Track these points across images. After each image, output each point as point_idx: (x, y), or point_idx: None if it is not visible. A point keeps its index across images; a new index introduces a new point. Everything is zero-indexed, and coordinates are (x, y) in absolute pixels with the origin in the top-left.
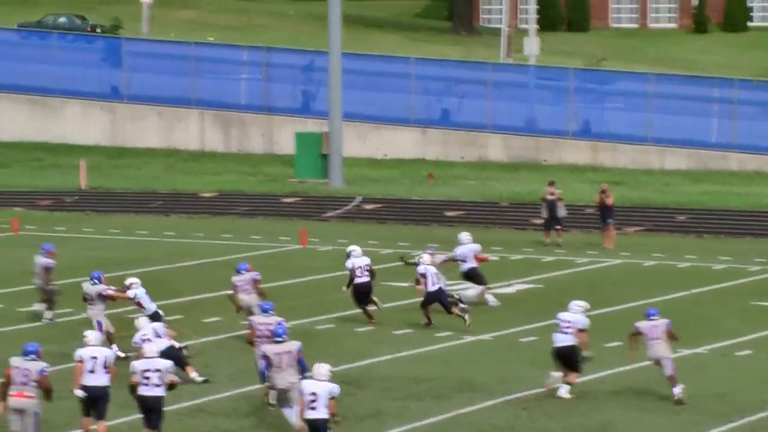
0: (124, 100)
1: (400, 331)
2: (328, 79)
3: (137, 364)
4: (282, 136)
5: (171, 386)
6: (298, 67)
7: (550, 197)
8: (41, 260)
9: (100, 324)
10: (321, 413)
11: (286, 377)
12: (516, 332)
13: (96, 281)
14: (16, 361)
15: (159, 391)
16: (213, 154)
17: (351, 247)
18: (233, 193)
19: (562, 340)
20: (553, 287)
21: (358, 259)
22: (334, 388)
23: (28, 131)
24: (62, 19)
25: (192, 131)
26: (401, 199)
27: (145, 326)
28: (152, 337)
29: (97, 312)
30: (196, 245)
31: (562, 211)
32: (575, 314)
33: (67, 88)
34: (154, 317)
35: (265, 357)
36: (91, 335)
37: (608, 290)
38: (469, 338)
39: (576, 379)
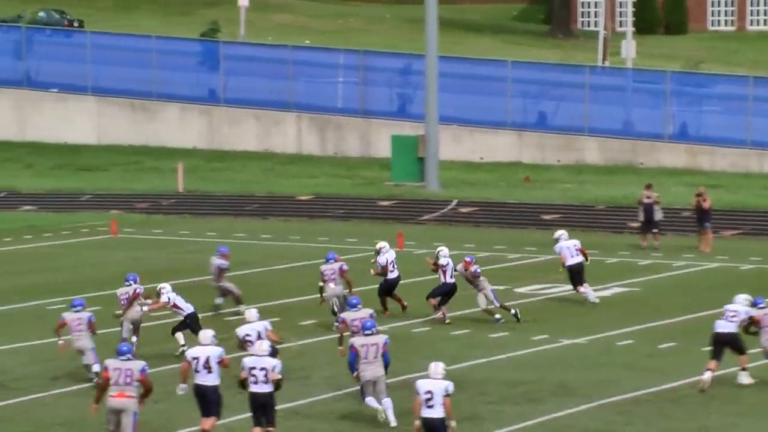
0: (222, 103)
1: (496, 335)
2: (424, 82)
3: (247, 361)
4: (378, 139)
5: (277, 385)
6: (394, 70)
7: (647, 200)
8: (216, 261)
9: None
10: (437, 412)
11: (373, 369)
12: (612, 336)
13: (132, 282)
14: (114, 362)
15: (267, 388)
16: (309, 157)
17: (380, 244)
18: (330, 196)
19: (726, 326)
20: (650, 291)
21: (389, 254)
22: (449, 385)
23: (127, 134)
24: (41, 14)
25: (289, 134)
26: (497, 203)
27: (252, 317)
28: (254, 339)
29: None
30: (293, 248)
31: (658, 215)
32: (742, 306)
33: (166, 91)
34: (192, 318)
35: (353, 348)
36: (203, 334)
37: (705, 294)
38: (564, 341)
39: (746, 361)
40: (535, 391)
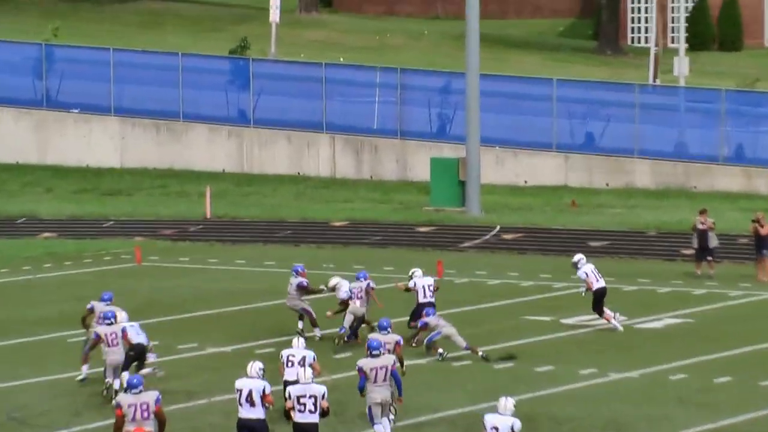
0: (252, 124)
1: (541, 369)
2: (465, 101)
3: (293, 390)
4: (416, 161)
5: (324, 413)
6: (433, 89)
7: (701, 226)
8: (296, 280)
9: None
10: None
11: (382, 391)
12: (665, 369)
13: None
14: (127, 398)
15: (314, 418)
16: (344, 181)
17: (414, 269)
18: (365, 221)
19: None
20: (705, 322)
21: (423, 279)
22: (516, 423)
23: (152, 157)
24: None
25: (322, 157)
26: (542, 229)
27: (300, 346)
28: (296, 361)
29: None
30: (327, 277)
31: (713, 241)
32: None
33: (193, 111)
34: (140, 350)
35: (362, 372)
36: (251, 366)
37: (763, 325)
38: (614, 375)
39: None
40: (584, 428)
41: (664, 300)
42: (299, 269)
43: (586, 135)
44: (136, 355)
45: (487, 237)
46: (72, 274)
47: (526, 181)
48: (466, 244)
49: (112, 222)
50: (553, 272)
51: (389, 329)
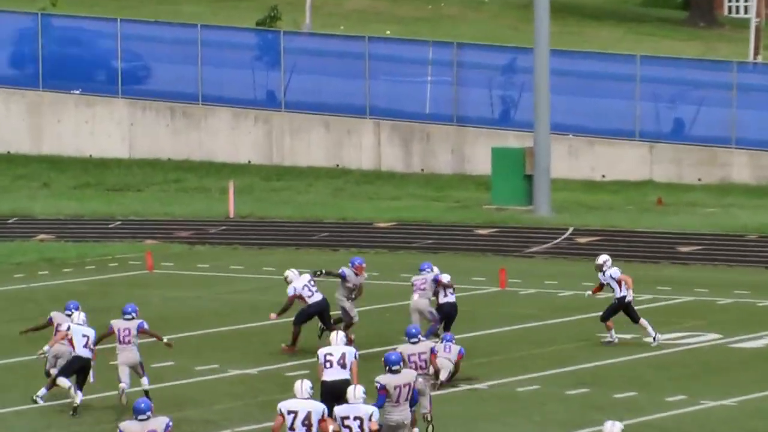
0: (283, 108)
1: (621, 395)
2: (532, 81)
3: (339, 410)
4: (475, 152)
5: None
6: (495, 67)
7: None
8: (357, 279)
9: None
10: None
11: (403, 412)
12: (766, 396)
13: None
14: (132, 426)
15: None
16: (391, 175)
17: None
18: (415, 222)
19: None
20: None
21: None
22: None
23: (166, 146)
24: None
25: (365, 146)
26: (623, 231)
27: (340, 341)
28: (335, 361)
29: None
30: (370, 286)
31: None
32: None
33: (214, 93)
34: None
35: (383, 391)
36: (299, 385)
37: None
38: (708, 403)
39: None
40: None
41: (766, 315)
42: (358, 261)
43: (674, 121)
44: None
45: (558, 241)
46: (72, 283)
47: (603, 176)
48: (533, 249)
49: (118, 222)
50: (636, 282)
51: (452, 342)
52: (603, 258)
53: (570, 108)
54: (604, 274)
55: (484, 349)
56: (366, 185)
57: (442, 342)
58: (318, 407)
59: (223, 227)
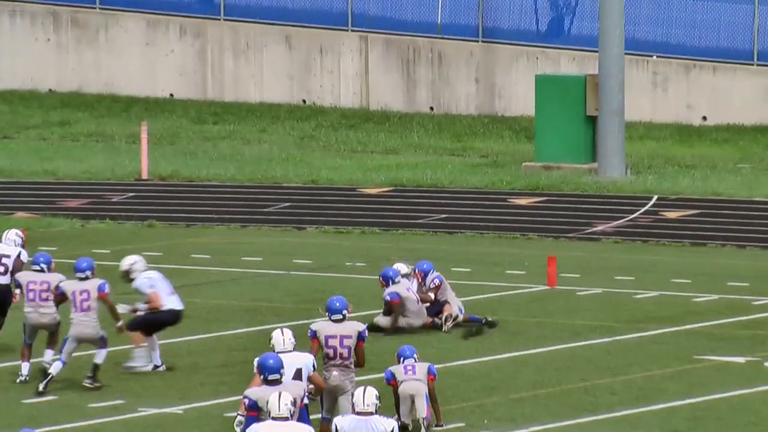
0: (222, 15)
1: None
2: None
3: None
4: (511, 81)
5: None
6: None
7: None
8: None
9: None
10: None
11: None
12: None
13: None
14: None
15: None
16: (384, 116)
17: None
18: (420, 187)
19: None
20: None
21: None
22: None
23: (46, 73)
24: None
25: (346, 73)
26: (732, 201)
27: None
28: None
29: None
30: (334, 283)
31: None
32: None
33: None
34: None
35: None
36: (277, 337)
37: None
38: None
39: None
40: None
41: None
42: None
43: None
44: None
45: (636, 215)
46: None
47: (705, 118)
48: (598, 228)
49: None
50: (751, 277)
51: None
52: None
53: (653, 17)
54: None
55: (523, 378)
56: (347, 131)
57: (400, 362)
58: (308, 360)
59: (132, 194)
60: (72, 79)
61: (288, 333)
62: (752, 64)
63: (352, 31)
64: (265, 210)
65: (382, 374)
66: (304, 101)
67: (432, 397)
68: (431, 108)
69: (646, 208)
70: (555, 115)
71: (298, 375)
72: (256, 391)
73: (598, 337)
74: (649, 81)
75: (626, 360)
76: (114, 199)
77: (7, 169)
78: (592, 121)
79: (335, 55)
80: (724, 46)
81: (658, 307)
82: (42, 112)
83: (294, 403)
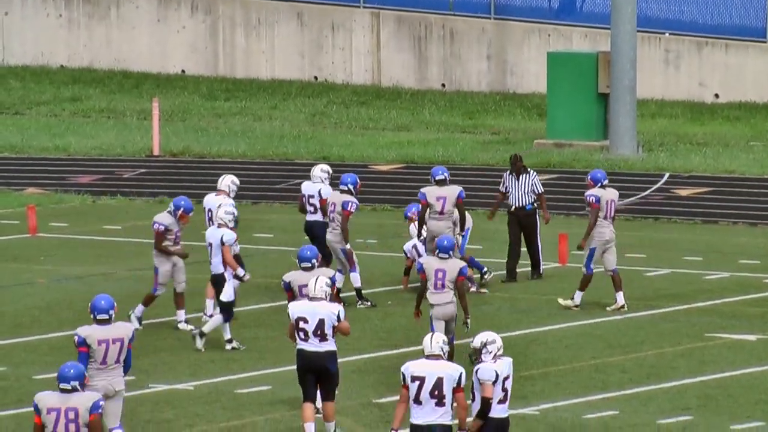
0: None
1: (742, 425)
2: None
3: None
4: (523, 59)
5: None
6: None
7: None
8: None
9: None
10: None
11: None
12: None
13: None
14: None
15: None
16: (395, 92)
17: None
18: (432, 164)
19: None
20: None
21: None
22: None
23: (57, 49)
24: None
25: (358, 49)
26: (746, 179)
27: None
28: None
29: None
30: (364, 258)
31: None
32: None
33: None
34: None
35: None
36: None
37: None
38: None
39: None
40: None
41: None
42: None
43: None
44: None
45: (648, 193)
46: None
47: (717, 95)
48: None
49: None
50: (763, 255)
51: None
52: None
53: None
54: None
55: (535, 355)
56: (358, 108)
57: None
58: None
59: (143, 170)
60: (83, 55)
61: (322, 280)
62: (765, 42)
63: (364, 7)
64: (277, 186)
65: (395, 351)
66: (315, 78)
67: (460, 294)
68: (443, 85)
69: (657, 185)
70: (567, 92)
71: (320, 325)
72: (292, 274)
73: (609, 315)
74: (661, 58)
75: (637, 338)
76: (125, 175)
77: (19, 145)
78: (604, 98)
79: (347, 31)
80: (736, 23)
81: (669, 285)
82: (53, 88)
83: (328, 285)
